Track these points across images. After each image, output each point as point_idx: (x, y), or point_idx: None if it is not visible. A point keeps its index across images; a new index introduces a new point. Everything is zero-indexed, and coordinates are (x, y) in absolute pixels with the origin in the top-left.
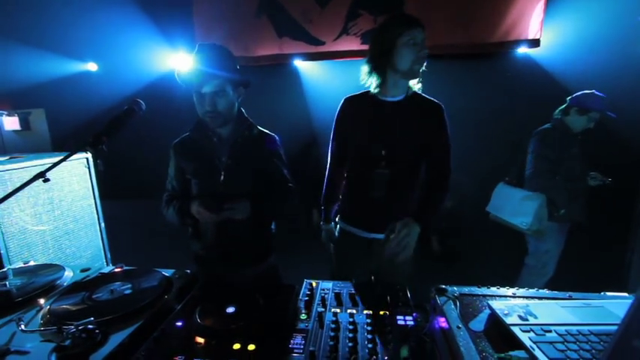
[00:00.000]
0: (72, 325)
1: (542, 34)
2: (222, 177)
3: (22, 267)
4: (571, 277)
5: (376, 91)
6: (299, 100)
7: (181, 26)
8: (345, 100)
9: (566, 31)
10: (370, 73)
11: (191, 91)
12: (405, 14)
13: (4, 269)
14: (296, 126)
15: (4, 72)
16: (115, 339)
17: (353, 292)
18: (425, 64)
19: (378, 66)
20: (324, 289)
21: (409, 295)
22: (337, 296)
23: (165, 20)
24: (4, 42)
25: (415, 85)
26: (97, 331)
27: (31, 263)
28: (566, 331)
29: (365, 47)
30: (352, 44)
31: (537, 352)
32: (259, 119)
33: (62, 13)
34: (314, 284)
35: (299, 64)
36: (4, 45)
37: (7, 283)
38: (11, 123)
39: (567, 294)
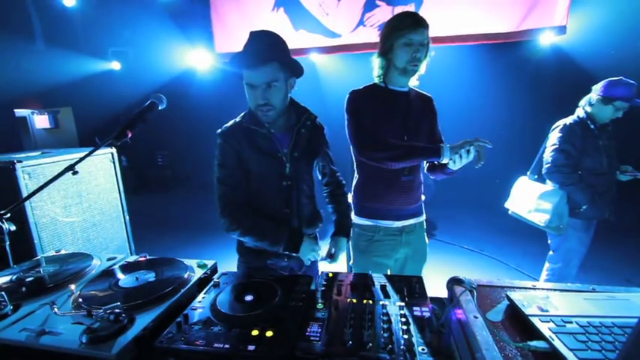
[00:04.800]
0: (100, 309)
1: (568, 20)
2: (287, 169)
3: (53, 255)
4: (597, 276)
5: (383, 83)
6: (315, 94)
7: (199, 22)
8: (357, 92)
9: (595, 17)
10: (380, 67)
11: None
12: (410, 14)
13: (38, 257)
14: None
15: (34, 73)
16: (140, 323)
17: (369, 283)
18: (421, 64)
19: (384, 61)
20: (340, 280)
21: (425, 286)
22: (353, 287)
23: (183, 17)
24: (34, 45)
25: (414, 82)
26: (123, 315)
27: (62, 252)
28: (588, 322)
29: None
30: (369, 36)
31: (557, 343)
32: None
33: (86, 13)
34: (330, 275)
35: (315, 57)
36: (34, 48)
37: (40, 270)
38: (42, 121)
39: (590, 287)
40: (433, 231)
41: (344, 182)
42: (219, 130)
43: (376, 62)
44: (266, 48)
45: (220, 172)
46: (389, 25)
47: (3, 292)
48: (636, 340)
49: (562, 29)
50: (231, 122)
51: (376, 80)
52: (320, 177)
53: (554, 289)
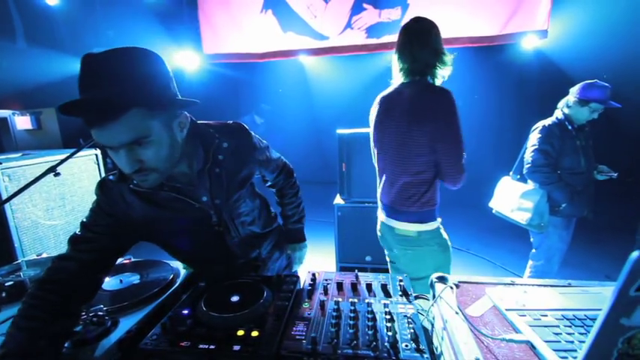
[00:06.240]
0: (83, 312)
1: (549, 25)
2: (213, 218)
3: (35, 259)
4: (578, 273)
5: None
6: (304, 95)
7: (187, 23)
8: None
9: (575, 21)
10: (422, 69)
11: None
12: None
13: (18, 261)
14: (301, 122)
15: (15, 73)
16: (124, 325)
17: (355, 281)
18: None
19: (429, 65)
20: (326, 279)
21: (410, 284)
22: (339, 286)
23: (170, 17)
24: (15, 44)
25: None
26: (106, 317)
27: (44, 255)
28: (562, 315)
29: (370, 41)
30: (357, 39)
31: (532, 335)
32: (264, 114)
33: (70, 13)
34: (317, 274)
35: (304, 59)
36: (15, 47)
37: (21, 274)
38: (23, 122)
39: (567, 282)
40: None
41: (291, 168)
42: (101, 180)
43: (408, 66)
44: (114, 88)
45: (81, 231)
46: (434, 31)
47: None
48: (602, 330)
49: (544, 33)
50: (117, 174)
51: (437, 82)
52: (262, 180)
53: (532, 285)
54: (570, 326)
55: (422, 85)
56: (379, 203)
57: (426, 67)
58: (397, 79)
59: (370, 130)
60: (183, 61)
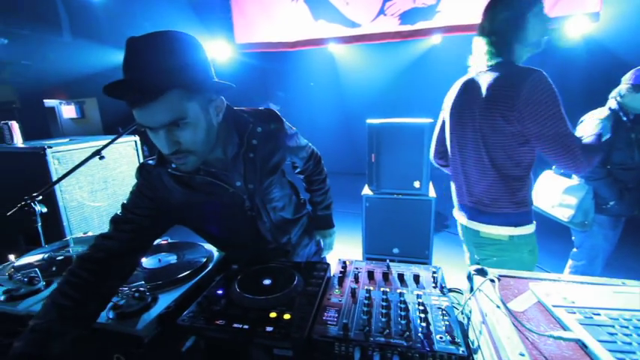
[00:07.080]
0: (126, 287)
1: (602, 6)
2: (246, 203)
3: (81, 237)
4: (624, 277)
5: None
6: (333, 85)
7: (219, 13)
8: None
9: (629, 3)
10: (497, 49)
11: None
12: None
13: (67, 238)
14: (331, 112)
15: (61, 64)
16: (163, 302)
17: (386, 271)
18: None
19: (507, 41)
20: (357, 268)
21: (443, 276)
22: (370, 274)
23: (203, 7)
24: (61, 37)
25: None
26: (147, 293)
27: (90, 234)
28: (618, 315)
29: (403, 28)
30: (389, 25)
31: (584, 334)
32: (293, 104)
33: (110, 8)
34: (347, 263)
35: (334, 47)
36: (61, 39)
37: (69, 249)
38: (69, 111)
39: (621, 281)
40: (452, 224)
41: (319, 155)
42: (141, 164)
43: (487, 46)
44: (155, 69)
45: (122, 213)
46: None
47: (37, 269)
48: None
49: (595, 16)
50: (156, 158)
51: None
52: (292, 167)
53: (581, 282)
54: (627, 327)
55: (507, 67)
56: (456, 204)
57: (509, 46)
58: (481, 62)
59: (441, 119)
60: (215, 51)
